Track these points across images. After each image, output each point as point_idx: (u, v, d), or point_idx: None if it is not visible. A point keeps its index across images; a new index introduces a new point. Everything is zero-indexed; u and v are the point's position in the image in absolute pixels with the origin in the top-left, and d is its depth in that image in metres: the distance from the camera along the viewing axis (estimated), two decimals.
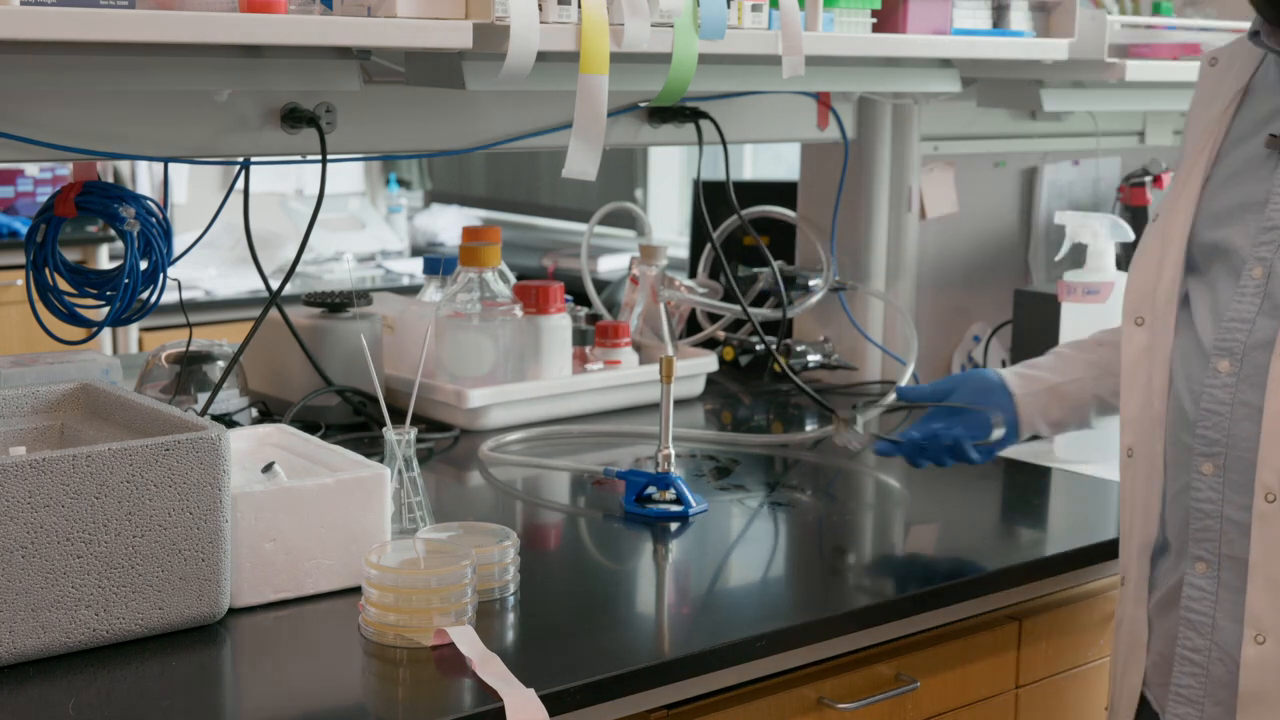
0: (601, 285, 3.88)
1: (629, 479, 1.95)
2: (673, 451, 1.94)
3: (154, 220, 1.95)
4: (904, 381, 2.51)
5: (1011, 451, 2.24)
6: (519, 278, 2.48)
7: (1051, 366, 1.94)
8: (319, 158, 2.04)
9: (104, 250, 4.65)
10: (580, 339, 2.48)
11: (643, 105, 2.38)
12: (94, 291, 1.97)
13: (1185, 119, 1.77)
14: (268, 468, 1.68)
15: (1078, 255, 2.29)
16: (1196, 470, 1.57)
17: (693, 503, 1.93)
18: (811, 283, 2.68)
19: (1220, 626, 1.57)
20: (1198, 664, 1.59)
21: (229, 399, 2.14)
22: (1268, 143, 1.58)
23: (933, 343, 2.78)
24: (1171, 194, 1.67)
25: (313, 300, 2.35)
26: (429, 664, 1.45)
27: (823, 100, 2.61)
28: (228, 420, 2.11)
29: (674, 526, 1.90)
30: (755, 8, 1.99)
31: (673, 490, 1.93)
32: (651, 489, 1.94)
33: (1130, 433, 1.67)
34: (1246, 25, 1.67)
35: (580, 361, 2.46)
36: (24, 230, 3.91)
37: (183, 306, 2.12)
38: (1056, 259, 2.41)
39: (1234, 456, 1.54)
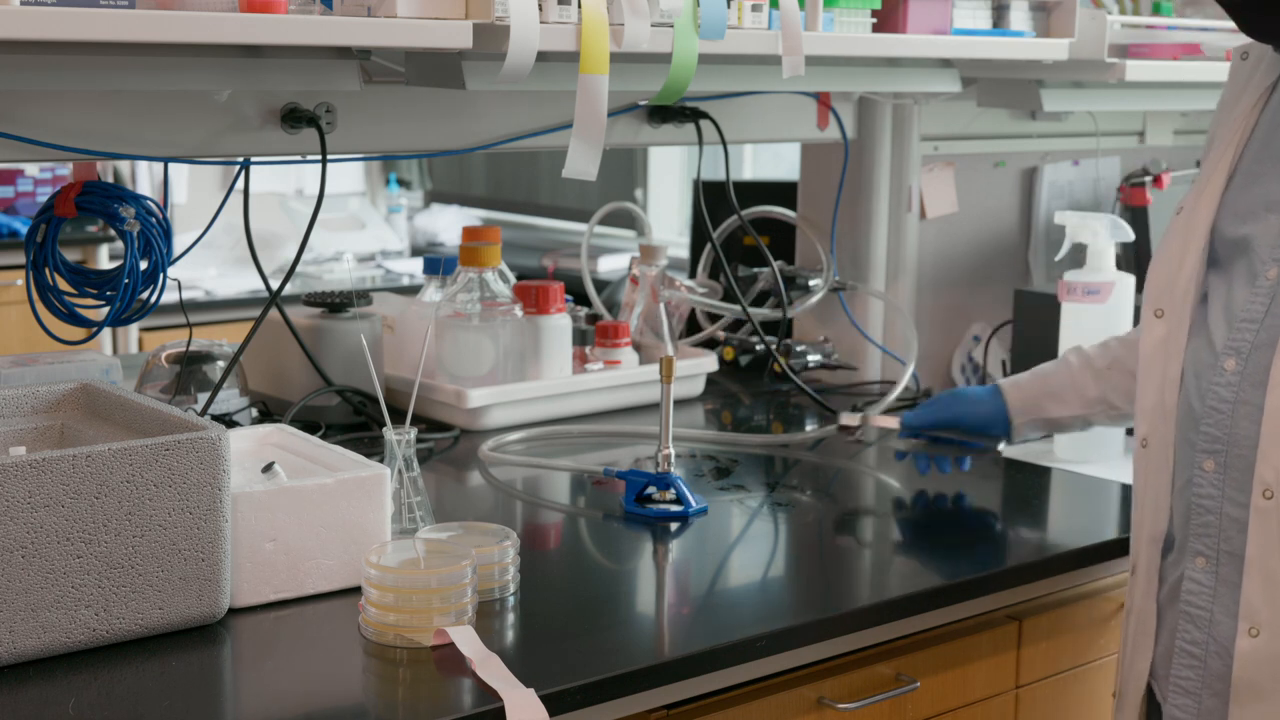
0: (601, 285, 3.88)
1: (629, 479, 1.95)
2: (673, 451, 1.94)
3: (154, 220, 1.95)
4: (904, 381, 2.51)
5: (1012, 451, 2.24)
6: (519, 278, 2.48)
7: (1056, 393, 2.02)
8: (319, 158, 2.04)
9: (104, 250, 4.64)
10: (580, 339, 2.48)
11: (643, 105, 2.38)
12: (94, 291, 1.97)
13: (1215, 112, 1.77)
14: (268, 468, 1.68)
15: (1078, 255, 2.29)
16: (1199, 466, 1.58)
17: (693, 503, 1.93)
18: (811, 283, 2.68)
19: (1218, 621, 1.58)
20: (1196, 657, 1.60)
21: (229, 399, 2.14)
22: None
23: (933, 343, 2.78)
24: (1196, 188, 1.66)
25: (313, 300, 2.34)
26: (429, 664, 1.45)
27: (823, 100, 2.61)
28: (228, 420, 2.11)
29: (674, 526, 1.90)
30: (755, 8, 1.99)
31: (673, 490, 1.93)
32: (651, 489, 1.94)
33: (1145, 423, 1.67)
34: None
35: (580, 361, 2.46)
36: (24, 230, 3.91)
37: (183, 306, 2.12)
38: (1056, 259, 2.41)
39: (1235, 454, 1.55)
